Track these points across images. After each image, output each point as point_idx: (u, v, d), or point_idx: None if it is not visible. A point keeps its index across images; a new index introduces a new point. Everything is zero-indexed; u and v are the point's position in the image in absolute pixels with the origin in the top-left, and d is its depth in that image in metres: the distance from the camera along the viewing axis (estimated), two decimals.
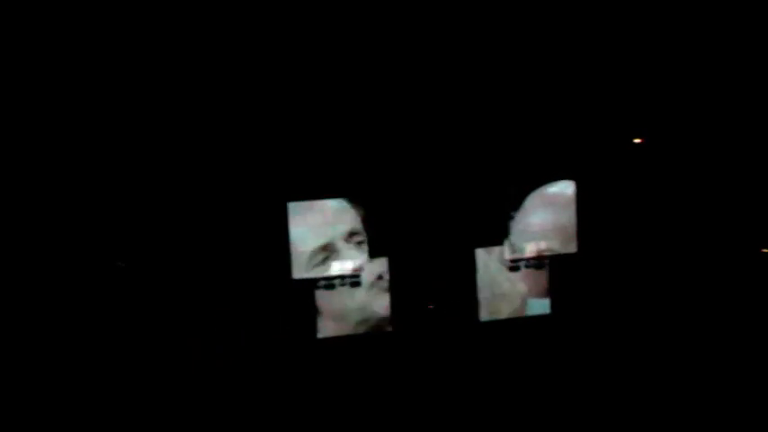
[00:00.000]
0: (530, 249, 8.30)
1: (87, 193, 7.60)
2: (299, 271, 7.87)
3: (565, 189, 8.26)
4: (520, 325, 8.39)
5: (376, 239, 7.97)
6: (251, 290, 7.84)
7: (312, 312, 7.96)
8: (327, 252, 7.91)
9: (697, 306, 8.41)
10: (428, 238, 8.11)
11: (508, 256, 8.27)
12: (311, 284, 7.94)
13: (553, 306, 8.39)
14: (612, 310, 8.39)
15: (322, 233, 7.89)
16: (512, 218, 8.22)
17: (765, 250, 8.28)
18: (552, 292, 8.38)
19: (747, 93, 8.09)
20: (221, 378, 7.84)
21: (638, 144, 8.16)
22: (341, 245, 7.93)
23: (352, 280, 7.97)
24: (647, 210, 8.39)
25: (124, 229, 7.66)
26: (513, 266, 8.30)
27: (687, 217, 8.39)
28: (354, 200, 7.92)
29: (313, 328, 7.99)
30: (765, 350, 8.20)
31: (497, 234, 8.26)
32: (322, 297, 7.97)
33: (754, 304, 8.35)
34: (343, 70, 7.74)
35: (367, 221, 7.94)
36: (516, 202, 8.21)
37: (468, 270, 8.29)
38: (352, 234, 7.94)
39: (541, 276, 8.37)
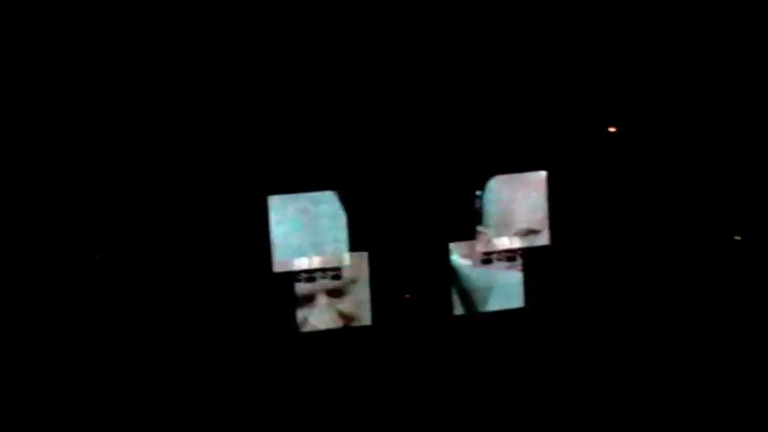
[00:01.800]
0: (502, 243, 8.35)
1: (65, 185, 7.52)
2: (280, 264, 7.82)
3: (537, 180, 8.36)
4: (493, 318, 8.43)
5: (356, 234, 7.99)
6: (231, 283, 7.78)
7: (293, 305, 7.90)
8: (308, 245, 7.88)
9: (672, 294, 8.55)
10: (405, 233, 8.16)
11: (481, 249, 8.32)
12: (292, 278, 7.88)
13: (527, 299, 8.45)
14: (587, 302, 8.51)
15: (303, 226, 7.86)
16: (484, 211, 8.31)
17: (737, 237, 8.48)
18: (526, 284, 8.45)
19: (721, 80, 8.31)
20: (202, 371, 7.77)
21: (612, 133, 8.31)
22: (321, 238, 7.89)
23: (333, 273, 7.96)
24: (621, 200, 8.54)
25: (103, 221, 7.58)
26: (486, 260, 8.35)
27: (661, 206, 8.56)
28: (335, 193, 7.95)
29: (294, 321, 7.93)
30: (740, 334, 8.37)
31: (471, 228, 8.33)
32: (302, 290, 7.92)
33: (728, 290, 8.53)
34: (319, 68, 7.82)
35: (347, 215, 7.96)
36: (487, 193, 8.30)
37: (443, 264, 8.32)
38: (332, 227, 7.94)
39: (514, 269, 8.42)
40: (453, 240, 8.37)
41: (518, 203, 8.38)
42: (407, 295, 8.21)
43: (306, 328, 8.04)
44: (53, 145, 7.49)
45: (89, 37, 7.37)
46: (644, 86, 8.36)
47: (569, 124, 8.38)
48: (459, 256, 8.38)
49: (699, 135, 8.47)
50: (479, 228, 8.35)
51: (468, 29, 7.99)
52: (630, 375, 8.23)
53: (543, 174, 8.37)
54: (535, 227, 8.41)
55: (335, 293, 8.08)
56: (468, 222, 8.36)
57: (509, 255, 8.45)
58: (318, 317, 8.05)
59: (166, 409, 7.61)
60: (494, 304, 8.48)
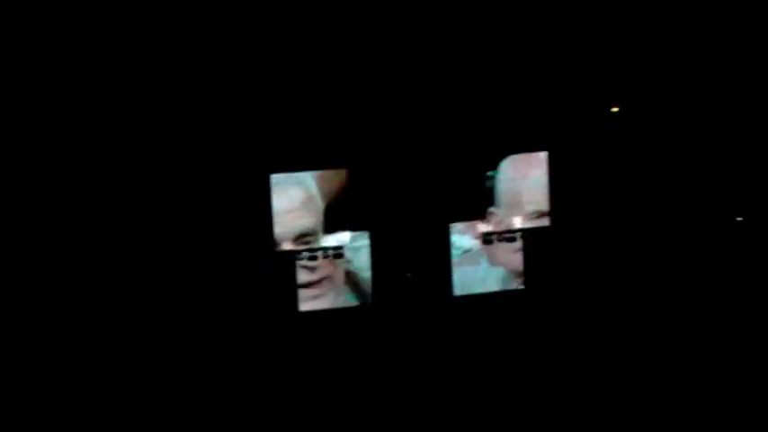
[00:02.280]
0: (503, 223, 8.35)
1: (66, 167, 7.46)
2: (282, 243, 7.80)
3: (538, 161, 8.36)
4: (493, 300, 8.42)
5: (358, 213, 7.98)
6: (233, 262, 7.73)
7: (294, 285, 7.88)
8: (311, 225, 7.88)
9: (674, 277, 8.56)
10: (406, 213, 8.14)
11: (481, 229, 8.31)
12: (294, 256, 7.86)
13: (526, 281, 8.45)
14: (587, 284, 8.51)
15: (306, 205, 7.84)
16: (484, 191, 8.29)
17: (740, 219, 8.48)
18: (526, 266, 8.45)
19: (727, 59, 8.30)
20: (201, 352, 7.73)
21: (615, 113, 8.30)
22: (324, 218, 7.88)
23: (336, 252, 7.94)
24: (623, 181, 8.52)
25: (105, 198, 7.54)
26: (487, 240, 8.34)
27: (663, 187, 8.54)
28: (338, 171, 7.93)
29: (294, 300, 7.90)
30: (743, 318, 8.39)
31: (471, 208, 8.31)
32: (304, 269, 7.90)
33: (730, 273, 8.52)
34: (323, 47, 7.78)
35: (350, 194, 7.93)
36: (488, 175, 8.29)
37: (443, 244, 8.30)
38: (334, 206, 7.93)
39: (515, 250, 8.41)
40: (454, 220, 8.32)
41: (529, 184, 8.37)
42: (408, 274, 8.16)
43: (306, 308, 7.97)
44: (53, 124, 7.41)
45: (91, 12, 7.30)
46: (648, 65, 8.35)
47: (571, 103, 8.35)
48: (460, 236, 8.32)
49: (704, 115, 8.46)
50: (491, 209, 8.33)
51: (473, 12, 8.00)
52: (631, 358, 8.26)
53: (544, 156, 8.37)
54: (546, 208, 8.42)
55: (337, 272, 8.01)
56: (470, 203, 8.31)
57: (509, 235, 8.41)
58: (320, 296, 7.98)
59: (169, 389, 7.60)
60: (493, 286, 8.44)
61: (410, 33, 7.96)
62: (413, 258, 8.26)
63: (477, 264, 8.42)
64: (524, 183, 8.38)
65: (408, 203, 8.18)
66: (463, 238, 8.36)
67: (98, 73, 7.49)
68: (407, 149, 8.13)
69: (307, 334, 8.03)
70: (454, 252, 8.36)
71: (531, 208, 8.41)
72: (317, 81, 7.84)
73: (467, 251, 8.40)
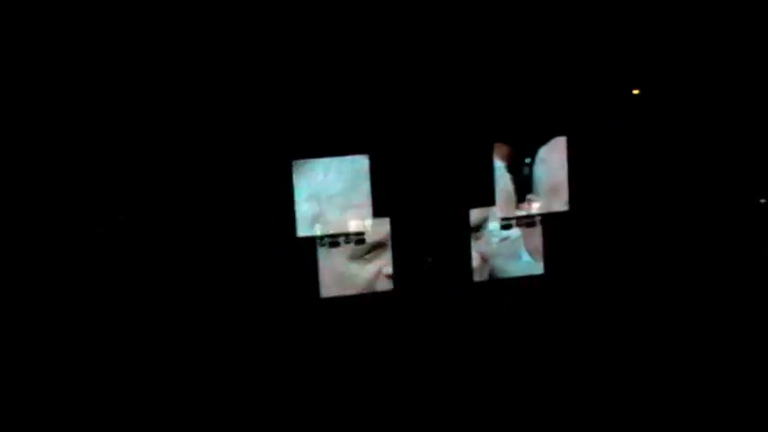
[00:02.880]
0: (522, 208, 8.36)
1: (86, 147, 7.44)
2: (304, 229, 7.81)
3: (557, 146, 8.36)
4: (512, 286, 8.43)
5: (379, 199, 7.97)
6: (254, 247, 7.73)
7: (315, 271, 7.89)
8: (333, 210, 7.89)
9: (696, 261, 8.54)
10: (425, 199, 8.14)
11: (500, 215, 8.31)
12: (315, 242, 7.87)
13: (546, 266, 8.45)
14: (607, 270, 8.50)
15: (327, 191, 7.84)
16: (534, 179, 8.35)
17: (763, 201, 8.45)
18: (546, 251, 8.45)
19: (746, 37, 8.26)
20: (221, 338, 7.73)
21: (636, 95, 8.28)
22: (345, 203, 7.89)
23: (357, 238, 7.95)
24: (643, 165, 8.49)
25: (124, 184, 7.53)
26: (506, 225, 8.34)
27: (685, 170, 8.51)
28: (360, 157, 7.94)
29: (315, 287, 7.91)
30: (765, 302, 8.37)
31: (491, 194, 8.31)
32: (326, 255, 7.90)
33: (754, 257, 8.50)
34: (343, 30, 7.78)
35: (372, 180, 7.95)
36: (538, 162, 8.34)
37: (463, 230, 8.30)
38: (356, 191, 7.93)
39: (534, 235, 8.41)
40: (474, 206, 8.32)
41: (537, 169, 8.40)
42: (429, 258, 8.16)
43: (327, 294, 7.97)
44: (75, 103, 7.40)
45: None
46: (671, 44, 8.30)
47: (589, 87, 8.33)
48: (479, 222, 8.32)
49: (729, 95, 8.41)
50: (529, 196, 8.38)
51: None
52: (652, 344, 8.29)
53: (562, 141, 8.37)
54: (560, 181, 8.42)
55: (359, 259, 8.01)
56: (488, 188, 8.30)
57: (528, 220, 8.41)
58: (341, 282, 7.98)
59: (189, 377, 7.64)
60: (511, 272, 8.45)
61: (432, 19, 7.93)
62: (433, 244, 8.22)
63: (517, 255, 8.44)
64: (563, 169, 8.41)
65: (427, 189, 8.17)
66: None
67: (119, 59, 7.46)
68: (427, 135, 8.10)
69: (328, 321, 8.00)
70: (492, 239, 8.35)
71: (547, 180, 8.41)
72: (339, 67, 7.81)
73: (504, 239, 8.40)
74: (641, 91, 8.34)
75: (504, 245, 8.40)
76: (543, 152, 8.36)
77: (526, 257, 8.48)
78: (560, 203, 8.43)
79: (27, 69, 7.26)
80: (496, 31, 8.08)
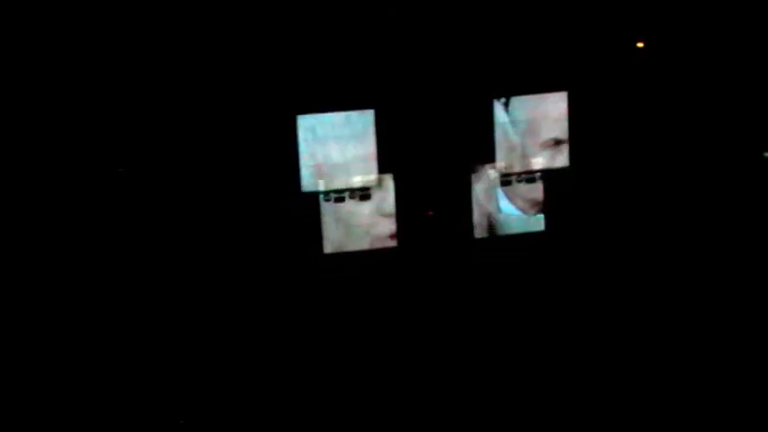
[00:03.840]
0: (522, 164, 8.38)
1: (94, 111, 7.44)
2: (309, 184, 7.82)
3: (557, 102, 8.36)
4: (514, 242, 8.47)
5: (383, 155, 8.00)
6: (259, 202, 7.75)
7: (319, 226, 7.93)
8: (338, 165, 7.91)
9: (697, 217, 8.53)
10: (428, 155, 8.15)
11: (500, 171, 8.34)
12: (320, 197, 7.90)
13: (547, 222, 8.49)
14: (607, 227, 8.51)
15: (333, 146, 7.86)
16: (503, 132, 8.31)
17: (767, 154, 8.42)
18: (546, 207, 8.49)
19: None
20: (224, 293, 7.76)
21: (639, 49, 8.24)
22: (351, 157, 7.92)
23: (362, 193, 7.97)
24: (644, 120, 8.46)
25: (128, 135, 7.52)
26: (505, 181, 8.38)
27: (687, 125, 8.47)
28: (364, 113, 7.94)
29: (319, 242, 7.94)
30: None
31: (491, 150, 8.33)
32: (331, 210, 7.93)
33: (757, 211, 8.50)
34: None
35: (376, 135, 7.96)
36: (511, 111, 8.30)
37: (464, 187, 8.34)
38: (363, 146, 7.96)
39: (535, 192, 8.45)
40: (476, 162, 8.34)
41: (542, 116, 8.37)
42: (430, 212, 8.18)
43: (331, 249, 8.00)
44: (78, 77, 7.39)
45: None
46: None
47: (590, 39, 8.29)
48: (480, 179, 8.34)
49: (727, 48, 8.37)
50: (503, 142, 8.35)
51: None
52: (653, 301, 8.33)
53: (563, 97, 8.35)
54: (561, 137, 8.39)
55: (363, 213, 8.06)
56: (489, 144, 8.32)
57: (528, 176, 8.43)
58: (345, 236, 8.02)
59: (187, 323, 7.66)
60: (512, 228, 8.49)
61: None
62: (435, 200, 8.25)
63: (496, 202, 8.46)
64: (537, 115, 8.36)
65: (429, 145, 8.17)
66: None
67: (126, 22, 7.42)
68: (428, 90, 8.11)
69: (332, 276, 8.02)
70: None
71: (546, 137, 8.40)
72: (342, 23, 7.80)
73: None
74: (645, 44, 8.29)
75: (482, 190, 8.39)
76: (515, 101, 8.32)
77: (506, 205, 8.46)
78: (536, 143, 8.40)
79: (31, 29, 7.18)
80: None
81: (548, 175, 8.47)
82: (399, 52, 8.00)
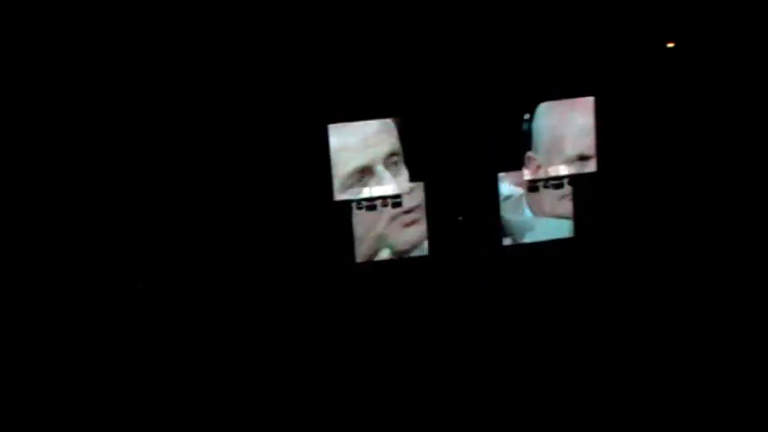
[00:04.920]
0: (550, 170, 8.35)
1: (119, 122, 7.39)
2: (341, 193, 7.80)
3: (586, 104, 8.30)
4: (542, 249, 8.42)
5: (412, 163, 7.98)
6: (291, 214, 7.71)
7: (351, 235, 7.91)
8: (369, 174, 7.90)
9: (730, 223, 8.47)
10: (457, 163, 8.14)
11: (527, 177, 8.30)
12: (351, 206, 7.88)
13: (575, 227, 8.44)
14: (636, 233, 8.46)
15: (364, 155, 7.87)
16: (534, 136, 8.26)
17: None
18: (575, 214, 8.44)
19: None
20: (255, 302, 7.73)
21: (670, 49, 8.18)
22: (382, 166, 7.92)
23: (394, 201, 7.94)
24: (675, 125, 8.39)
25: (155, 149, 7.50)
26: (533, 187, 8.34)
27: (720, 129, 8.38)
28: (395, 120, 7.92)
29: (351, 251, 7.90)
30: None
31: (519, 156, 8.29)
32: (362, 219, 7.89)
33: None
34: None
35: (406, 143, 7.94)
36: (537, 118, 8.25)
37: (492, 194, 8.31)
38: (392, 155, 7.93)
39: (563, 198, 8.42)
40: (504, 170, 8.30)
41: (567, 128, 8.30)
42: (460, 218, 8.15)
43: (364, 258, 7.96)
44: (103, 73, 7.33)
45: None
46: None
47: (619, 40, 8.23)
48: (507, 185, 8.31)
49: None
50: (529, 153, 8.30)
51: None
52: (683, 306, 8.31)
53: (591, 99, 8.28)
54: (586, 152, 8.35)
55: (396, 222, 8.03)
56: (516, 151, 8.29)
57: (556, 182, 8.41)
58: (376, 245, 7.99)
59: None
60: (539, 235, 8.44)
61: None
62: (464, 207, 8.23)
63: (521, 213, 8.39)
64: (567, 127, 8.29)
65: (456, 152, 8.15)
66: (502, 184, 8.32)
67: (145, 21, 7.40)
68: (454, 98, 8.09)
69: (363, 284, 7.99)
70: None
71: (570, 153, 8.34)
72: (370, 33, 7.80)
73: (507, 198, 8.37)
74: (676, 44, 8.24)
75: (509, 203, 8.34)
76: (544, 107, 8.24)
77: (529, 214, 8.39)
78: (560, 160, 8.33)
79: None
80: None
81: (576, 181, 8.40)
82: (428, 61, 7.98)
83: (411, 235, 8.16)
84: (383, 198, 7.96)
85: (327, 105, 7.76)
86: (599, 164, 8.40)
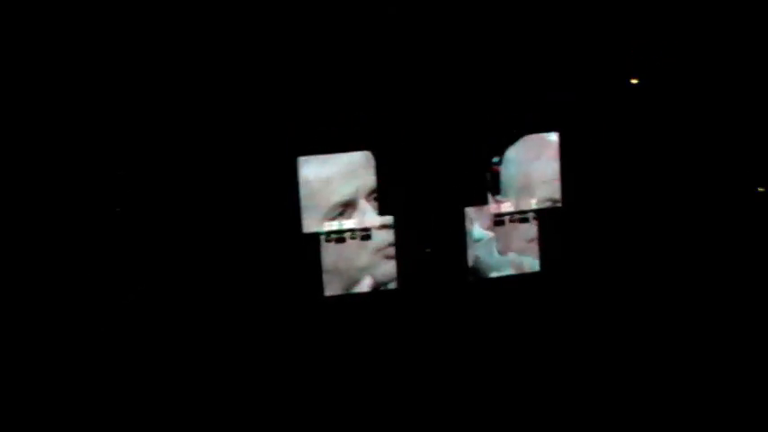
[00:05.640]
0: (515, 204, 8.43)
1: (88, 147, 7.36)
2: (311, 225, 7.79)
3: (549, 140, 8.43)
4: (509, 283, 8.48)
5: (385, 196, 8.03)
6: (259, 244, 7.71)
7: (319, 268, 7.89)
8: (342, 207, 7.91)
9: (694, 254, 8.58)
10: (426, 198, 8.19)
11: (493, 211, 8.37)
12: (320, 238, 7.87)
13: (542, 262, 8.51)
14: (602, 266, 8.56)
15: (349, 186, 7.93)
16: (502, 180, 8.36)
17: (762, 189, 8.46)
18: (540, 247, 8.52)
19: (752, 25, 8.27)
20: (223, 333, 7.67)
21: (634, 85, 8.36)
22: (355, 199, 7.96)
23: (363, 234, 7.95)
24: (639, 159, 8.54)
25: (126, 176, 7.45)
26: (498, 221, 8.40)
27: (682, 163, 8.54)
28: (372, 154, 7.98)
29: (319, 284, 7.89)
30: (764, 294, 8.45)
31: (484, 191, 8.38)
32: (331, 252, 7.88)
33: (753, 249, 8.53)
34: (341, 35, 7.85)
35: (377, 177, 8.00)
36: (499, 155, 8.35)
37: (458, 229, 8.36)
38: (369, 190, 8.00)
39: (528, 232, 8.48)
40: (469, 205, 8.36)
41: (537, 172, 8.43)
42: (428, 249, 8.18)
43: (331, 292, 7.95)
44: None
45: None
46: (672, 31, 8.34)
47: (582, 78, 8.37)
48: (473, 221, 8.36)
49: (731, 87, 8.46)
50: (498, 197, 8.39)
51: None
52: (649, 338, 8.38)
53: (554, 136, 8.42)
54: (556, 196, 8.48)
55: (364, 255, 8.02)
56: (482, 187, 8.37)
57: (522, 216, 8.47)
58: (345, 278, 7.98)
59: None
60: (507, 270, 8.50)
61: (425, 21, 8.04)
62: (432, 242, 8.27)
63: (491, 254, 8.45)
64: (532, 170, 8.41)
65: (426, 187, 8.21)
66: (474, 227, 8.38)
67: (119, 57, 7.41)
68: (425, 133, 8.17)
69: (331, 318, 7.96)
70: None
71: (540, 196, 8.46)
72: (341, 66, 7.86)
73: (477, 240, 8.43)
74: (639, 80, 8.42)
75: (481, 245, 8.39)
76: (512, 151, 8.37)
77: (497, 256, 8.46)
78: (530, 203, 8.45)
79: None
80: (485, 30, 8.16)
81: (541, 215, 8.49)
82: (398, 93, 8.06)
83: (392, 267, 8.17)
84: (352, 230, 7.94)
85: (298, 138, 7.76)
86: (563, 198, 8.50)
